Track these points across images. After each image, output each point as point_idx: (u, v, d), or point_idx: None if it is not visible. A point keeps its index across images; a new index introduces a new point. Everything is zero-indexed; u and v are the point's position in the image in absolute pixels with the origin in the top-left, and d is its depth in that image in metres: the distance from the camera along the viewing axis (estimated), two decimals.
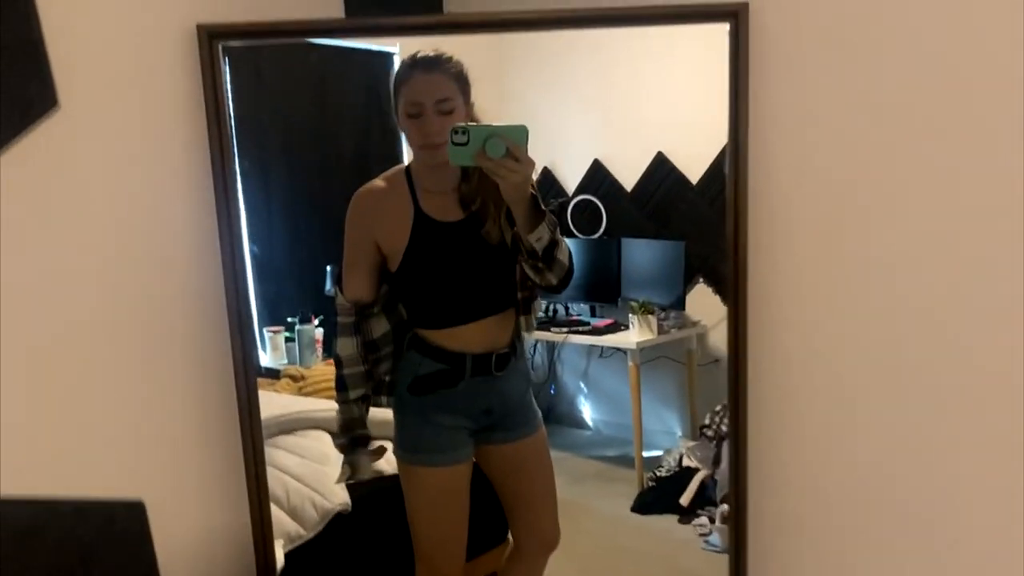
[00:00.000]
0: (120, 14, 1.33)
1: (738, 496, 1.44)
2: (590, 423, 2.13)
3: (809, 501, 1.45)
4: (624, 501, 1.82)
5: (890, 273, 1.33)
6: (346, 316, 1.47)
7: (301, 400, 1.75)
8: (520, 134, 1.27)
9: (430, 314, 1.47)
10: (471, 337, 1.45)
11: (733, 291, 1.40)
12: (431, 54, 1.39)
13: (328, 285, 1.99)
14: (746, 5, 1.33)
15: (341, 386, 1.49)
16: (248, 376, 1.45)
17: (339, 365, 1.48)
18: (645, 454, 1.98)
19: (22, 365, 1.23)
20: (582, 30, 1.55)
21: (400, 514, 1.50)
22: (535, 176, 1.35)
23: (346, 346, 1.46)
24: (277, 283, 1.93)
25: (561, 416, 2.13)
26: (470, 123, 1.34)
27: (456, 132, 1.26)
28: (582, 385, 2.13)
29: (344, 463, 1.48)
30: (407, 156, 1.53)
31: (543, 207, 1.35)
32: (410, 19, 1.54)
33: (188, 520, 1.44)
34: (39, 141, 1.24)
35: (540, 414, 1.60)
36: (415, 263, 1.43)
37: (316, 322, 1.98)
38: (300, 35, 1.52)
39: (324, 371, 1.89)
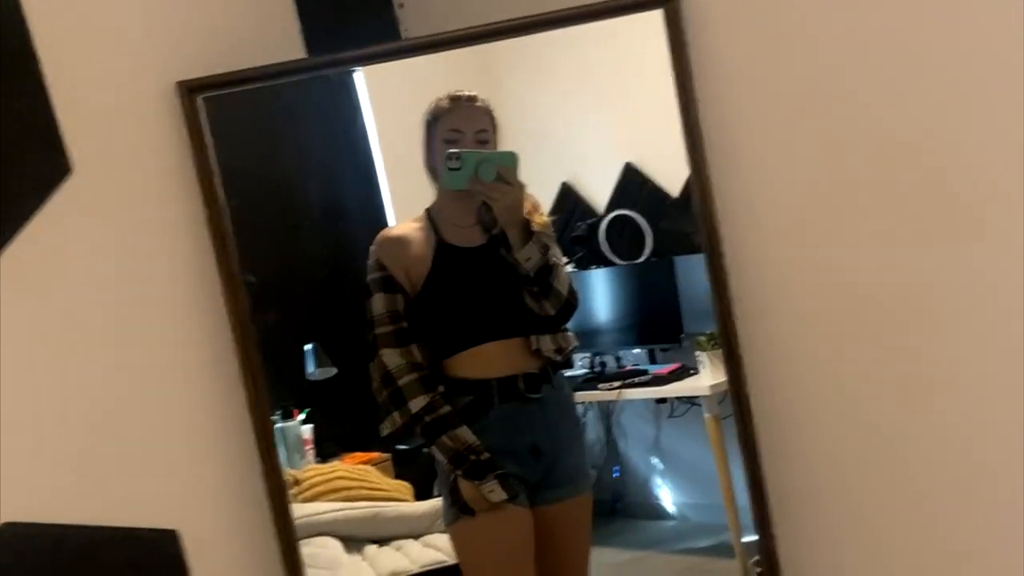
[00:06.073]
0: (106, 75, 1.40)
1: None
2: (672, 510, 1.63)
3: None
4: None
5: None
6: (384, 326, 1.45)
7: (299, 507, 1.41)
8: (509, 159, 1.38)
9: (450, 337, 1.47)
10: (493, 358, 1.45)
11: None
12: (468, 92, 1.50)
13: (310, 367, 1.61)
14: None
15: (399, 401, 1.43)
16: None
17: (389, 380, 1.43)
18: (745, 539, 1.50)
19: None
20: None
21: None
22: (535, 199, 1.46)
23: (391, 356, 1.44)
24: None
25: (633, 507, 1.64)
26: (464, 150, 1.40)
27: (450, 158, 1.38)
28: (654, 461, 1.65)
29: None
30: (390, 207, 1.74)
31: (532, 229, 1.42)
32: (371, 49, 1.52)
33: None
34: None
35: (593, 475, 1.55)
36: (435, 287, 1.47)
37: (301, 416, 1.57)
38: (270, 79, 1.47)
39: (319, 471, 1.50)
